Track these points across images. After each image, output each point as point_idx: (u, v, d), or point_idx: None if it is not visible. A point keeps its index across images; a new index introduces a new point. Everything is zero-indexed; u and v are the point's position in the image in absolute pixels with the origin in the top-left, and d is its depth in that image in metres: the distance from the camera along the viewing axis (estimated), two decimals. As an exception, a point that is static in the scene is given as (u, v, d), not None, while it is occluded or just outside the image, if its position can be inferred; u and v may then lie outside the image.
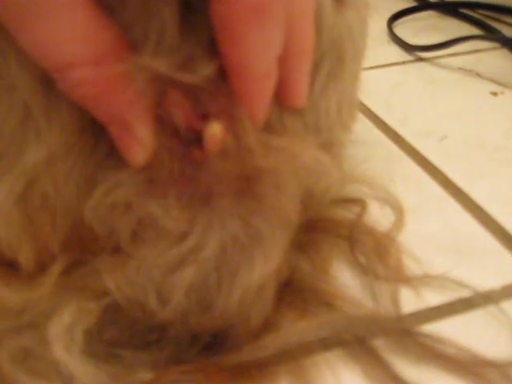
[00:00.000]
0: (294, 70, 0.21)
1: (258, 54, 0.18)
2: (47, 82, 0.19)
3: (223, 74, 0.19)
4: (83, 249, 0.22)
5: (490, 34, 0.59)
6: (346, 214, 0.30)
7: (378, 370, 0.23)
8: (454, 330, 0.25)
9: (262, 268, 0.21)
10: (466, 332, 0.25)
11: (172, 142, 0.19)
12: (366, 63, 0.53)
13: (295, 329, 0.23)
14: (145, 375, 0.22)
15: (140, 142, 0.19)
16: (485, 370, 0.23)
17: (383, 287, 0.27)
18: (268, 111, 0.21)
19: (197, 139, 0.19)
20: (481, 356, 0.24)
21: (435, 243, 0.31)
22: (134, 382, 0.22)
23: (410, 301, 0.27)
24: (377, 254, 0.28)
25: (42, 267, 0.22)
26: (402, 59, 0.55)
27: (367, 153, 0.38)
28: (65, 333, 0.20)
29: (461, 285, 0.28)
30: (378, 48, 0.57)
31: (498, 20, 0.62)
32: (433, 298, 0.27)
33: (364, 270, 0.28)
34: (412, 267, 0.29)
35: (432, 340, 0.24)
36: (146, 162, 0.19)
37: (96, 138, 0.20)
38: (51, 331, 0.20)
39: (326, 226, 0.28)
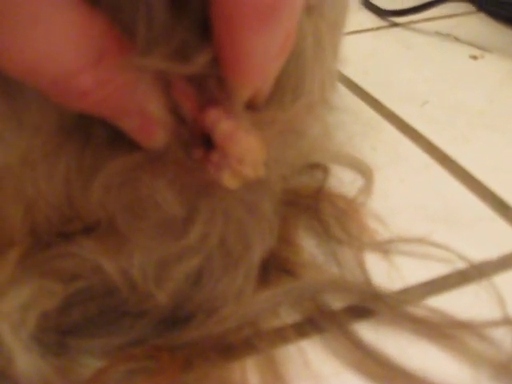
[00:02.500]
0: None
1: (256, 55, 0.17)
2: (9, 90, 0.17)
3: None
4: (50, 232, 0.20)
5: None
6: (310, 181, 0.29)
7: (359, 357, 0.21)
8: (446, 305, 0.23)
9: (262, 248, 0.21)
10: (460, 307, 0.23)
11: (179, 130, 0.18)
12: (339, 30, 0.50)
13: (256, 299, 0.21)
14: (95, 363, 0.20)
15: (159, 123, 0.18)
16: (459, 332, 0.22)
17: (348, 253, 0.25)
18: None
19: (202, 134, 0.18)
20: (454, 318, 0.22)
21: (425, 213, 0.29)
22: (80, 375, 0.20)
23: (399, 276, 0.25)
24: (339, 221, 0.26)
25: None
26: (376, 25, 0.52)
27: (346, 120, 0.36)
28: (17, 312, 0.19)
29: (444, 249, 0.26)
30: (350, 15, 0.54)
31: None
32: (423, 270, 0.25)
33: (328, 238, 0.26)
34: (383, 232, 0.27)
35: (403, 303, 0.23)
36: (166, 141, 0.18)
37: (87, 131, 0.19)
38: (2, 308, 0.19)
39: (291, 196, 0.26)
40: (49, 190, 0.19)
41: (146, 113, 0.17)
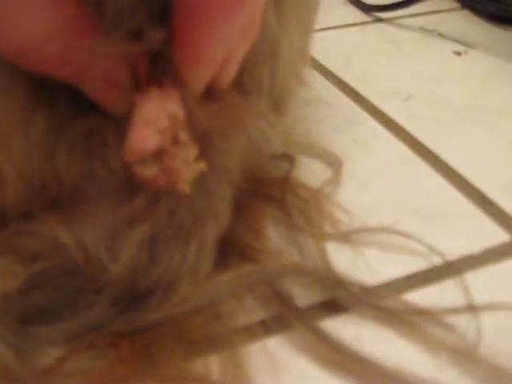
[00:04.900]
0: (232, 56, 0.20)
1: (216, 44, 0.17)
2: None
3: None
4: (16, 212, 0.20)
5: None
6: (278, 171, 0.28)
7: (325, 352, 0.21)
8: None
9: (215, 225, 0.21)
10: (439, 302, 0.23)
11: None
12: (322, 24, 0.50)
13: (215, 281, 0.22)
14: (55, 352, 0.20)
15: (121, 88, 0.18)
16: (418, 319, 0.22)
17: (309, 242, 0.25)
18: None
19: None
20: (414, 304, 0.22)
21: (407, 208, 0.28)
22: (40, 364, 0.19)
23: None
24: (302, 211, 0.26)
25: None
26: (360, 20, 0.52)
27: (328, 113, 0.35)
28: None
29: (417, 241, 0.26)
30: (333, 9, 0.54)
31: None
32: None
33: (291, 228, 0.26)
34: (348, 222, 0.27)
35: (363, 290, 0.23)
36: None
37: (53, 95, 0.19)
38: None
39: (259, 186, 0.26)
40: (23, 156, 0.19)
41: (109, 78, 0.18)
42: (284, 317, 0.22)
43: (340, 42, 0.47)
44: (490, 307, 0.23)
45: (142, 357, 0.19)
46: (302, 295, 0.23)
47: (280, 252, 0.25)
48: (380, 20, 0.51)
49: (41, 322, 0.20)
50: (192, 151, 0.19)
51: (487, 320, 0.22)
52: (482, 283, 0.24)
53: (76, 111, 0.19)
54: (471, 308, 0.22)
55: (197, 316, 0.21)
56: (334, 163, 0.31)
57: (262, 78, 0.23)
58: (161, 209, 0.20)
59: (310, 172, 0.29)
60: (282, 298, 0.22)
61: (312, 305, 0.22)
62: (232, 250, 0.23)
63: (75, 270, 0.20)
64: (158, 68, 0.18)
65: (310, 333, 0.21)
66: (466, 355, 0.21)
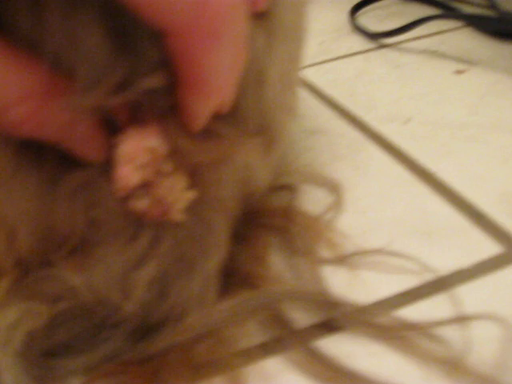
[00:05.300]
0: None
1: (215, 71, 0.19)
2: None
3: (162, 88, 0.19)
4: (36, 261, 0.22)
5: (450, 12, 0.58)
6: (279, 201, 0.30)
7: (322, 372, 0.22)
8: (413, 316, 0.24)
9: (216, 256, 0.23)
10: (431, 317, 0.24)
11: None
12: (329, 55, 0.52)
13: (217, 308, 0.23)
14: (76, 382, 0.22)
15: (94, 143, 0.19)
16: (409, 333, 0.23)
17: (308, 267, 0.27)
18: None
19: None
20: (404, 319, 0.24)
21: (405, 227, 0.30)
22: None
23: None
24: (303, 238, 0.28)
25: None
26: (365, 47, 0.53)
27: (330, 142, 0.37)
28: (4, 330, 0.20)
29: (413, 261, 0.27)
30: (340, 39, 0.56)
31: (460, 0, 0.61)
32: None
33: (292, 254, 0.27)
34: (348, 246, 0.28)
35: (355, 309, 0.24)
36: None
37: (40, 149, 0.20)
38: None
39: (261, 217, 0.28)
40: (27, 210, 0.21)
41: (81, 136, 0.19)
42: (282, 338, 0.24)
43: (345, 70, 0.49)
44: (479, 318, 0.24)
45: (150, 381, 0.21)
46: (299, 317, 0.24)
47: (280, 278, 0.26)
48: (384, 46, 0.53)
49: (63, 356, 0.22)
50: (180, 181, 0.20)
51: (476, 331, 0.23)
52: (474, 296, 0.25)
53: (66, 163, 0.20)
54: (460, 319, 0.24)
55: (201, 342, 0.22)
56: (335, 190, 0.32)
57: (248, 105, 0.24)
58: (164, 245, 0.22)
59: (313, 200, 0.31)
60: (280, 321, 0.24)
61: (308, 326, 0.24)
62: (235, 278, 0.25)
63: (93, 309, 0.22)
64: (139, 111, 0.19)
65: (306, 352, 0.23)
66: (455, 366, 0.22)
